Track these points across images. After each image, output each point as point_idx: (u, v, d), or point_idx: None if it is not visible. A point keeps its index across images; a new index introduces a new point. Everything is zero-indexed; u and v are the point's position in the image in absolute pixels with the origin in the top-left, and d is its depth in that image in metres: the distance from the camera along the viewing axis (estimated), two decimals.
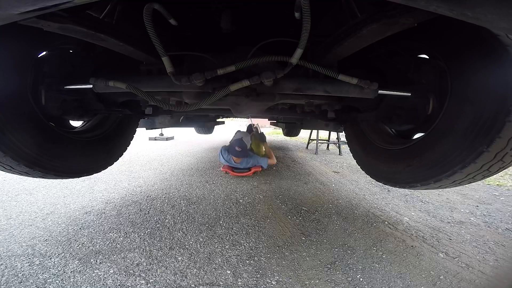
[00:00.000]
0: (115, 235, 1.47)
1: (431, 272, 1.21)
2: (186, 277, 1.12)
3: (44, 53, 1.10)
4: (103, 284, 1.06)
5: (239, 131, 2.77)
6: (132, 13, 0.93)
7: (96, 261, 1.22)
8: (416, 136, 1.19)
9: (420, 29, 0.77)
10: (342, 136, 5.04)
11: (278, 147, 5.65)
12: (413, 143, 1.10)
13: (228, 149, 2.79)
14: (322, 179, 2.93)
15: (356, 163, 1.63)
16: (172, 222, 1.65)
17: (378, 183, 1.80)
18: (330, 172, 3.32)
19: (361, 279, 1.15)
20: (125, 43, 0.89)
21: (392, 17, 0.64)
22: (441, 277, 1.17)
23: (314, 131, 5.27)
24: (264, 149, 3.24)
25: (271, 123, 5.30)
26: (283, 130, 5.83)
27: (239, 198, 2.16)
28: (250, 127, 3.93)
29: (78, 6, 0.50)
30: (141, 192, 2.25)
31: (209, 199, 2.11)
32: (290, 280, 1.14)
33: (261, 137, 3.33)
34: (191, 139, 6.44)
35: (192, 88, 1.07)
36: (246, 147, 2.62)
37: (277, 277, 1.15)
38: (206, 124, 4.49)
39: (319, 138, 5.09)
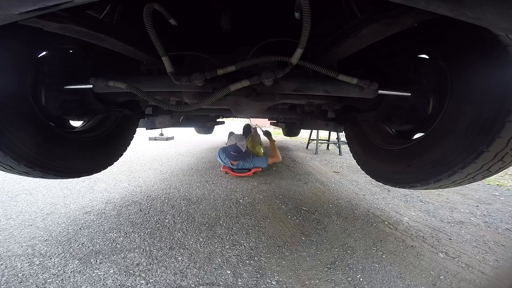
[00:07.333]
0: (115, 235, 1.47)
1: (431, 272, 1.21)
2: (186, 277, 1.12)
3: (44, 53, 1.10)
4: (103, 284, 1.06)
5: (232, 133, 2.78)
6: (132, 13, 0.93)
7: (96, 261, 1.22)
8: (416, 136, 1.19)
9: (420, 29, 0.77)
10: (342, 136, 5.04)
11: (278, 147, 5.62)
12: (413, 143, 1.10)
13: (224, 152, 2.82)
14: (322, 179, 2.93)
15: (356, 163, 1.63)
16: (172, 222, 1.65)
17: (378, 183, 1.80)
18: (330, 172, 3.32)
19: (361, 279, 1.15)
20: (125, 43, 0.89)
21: (392, 17, 0.64)
22: (441, 277, 1.17)
23: (314, 131, 5.26)
24: (262, 150, 3.24)
25: (271, 123, 5.30)
26: (283, 130, 5.82)
27: (239, 198, 2.16)
28: (248, 127, 3.93)
29: (78, 6, 0.50)
30: (141, 192, 2.25)
31: (209, 199, 2.11)
32: (290, 280, 1.14)
33: (267, 134, 3.39)
34: (191, 139, 6.43)
35: (192, 88, 1.07)
36: (241, 151, 2.68)
37: (277, 277, 1.15)
38: (206, 124, 4.48)
39: (319, 138, 5.09)
